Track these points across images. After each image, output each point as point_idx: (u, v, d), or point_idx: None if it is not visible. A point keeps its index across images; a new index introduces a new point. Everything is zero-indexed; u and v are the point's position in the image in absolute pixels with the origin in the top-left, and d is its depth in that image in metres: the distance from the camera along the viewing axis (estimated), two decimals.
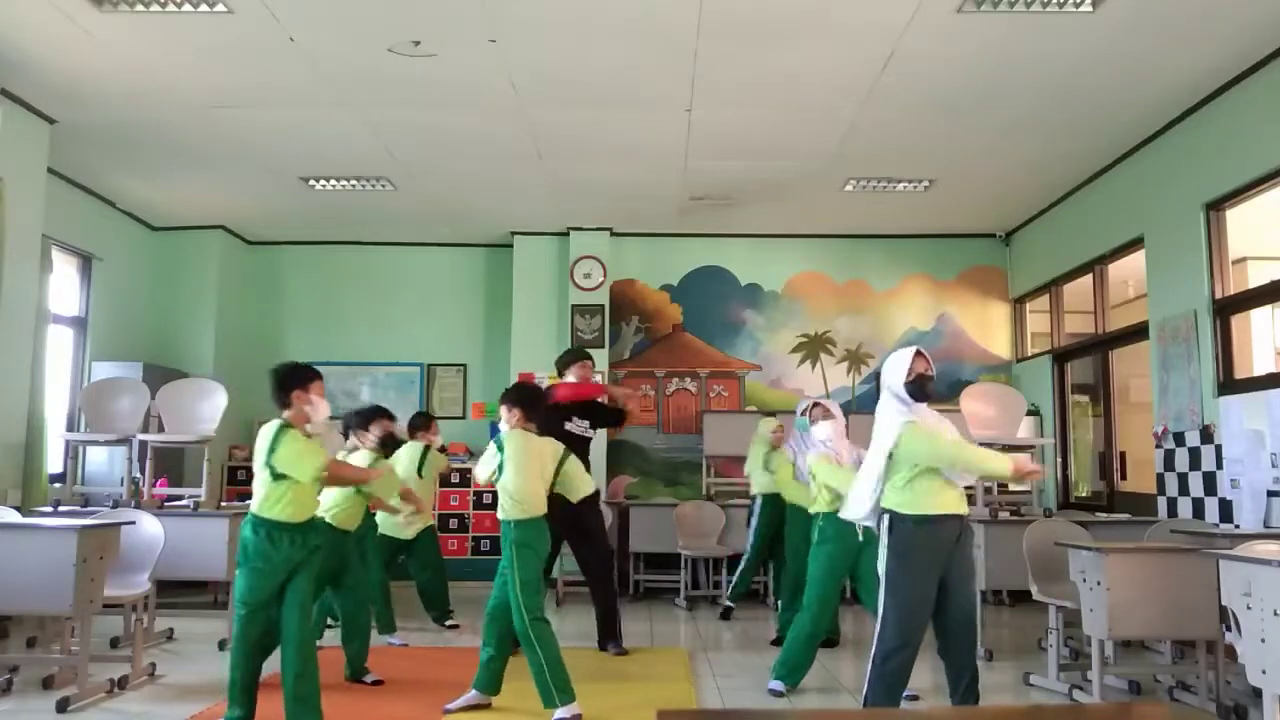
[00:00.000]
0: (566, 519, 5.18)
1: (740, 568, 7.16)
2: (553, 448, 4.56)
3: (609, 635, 5.76)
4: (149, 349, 8.61)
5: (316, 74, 5.80)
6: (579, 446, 5.56)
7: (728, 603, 7.22)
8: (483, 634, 4.45)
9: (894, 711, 4.15)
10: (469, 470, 8.87)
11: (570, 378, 5.90)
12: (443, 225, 9.09)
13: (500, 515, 4.35)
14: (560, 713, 4.12)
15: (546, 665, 4.15)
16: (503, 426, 4.47)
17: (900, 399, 3.83)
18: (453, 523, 8.84)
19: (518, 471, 4.33)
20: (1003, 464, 3.75)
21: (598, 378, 6.00)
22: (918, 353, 3.85)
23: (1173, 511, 6.34)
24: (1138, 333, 7.07)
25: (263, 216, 8.93)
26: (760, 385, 9.32)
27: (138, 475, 6.95)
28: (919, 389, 3.81)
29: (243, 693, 3.83)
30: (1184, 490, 6.28)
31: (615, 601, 5.88)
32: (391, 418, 5.44)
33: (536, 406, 4.54)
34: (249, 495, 3.97)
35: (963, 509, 3.82)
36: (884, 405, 3.88)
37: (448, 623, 6.63)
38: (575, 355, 6.02)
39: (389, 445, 5.16)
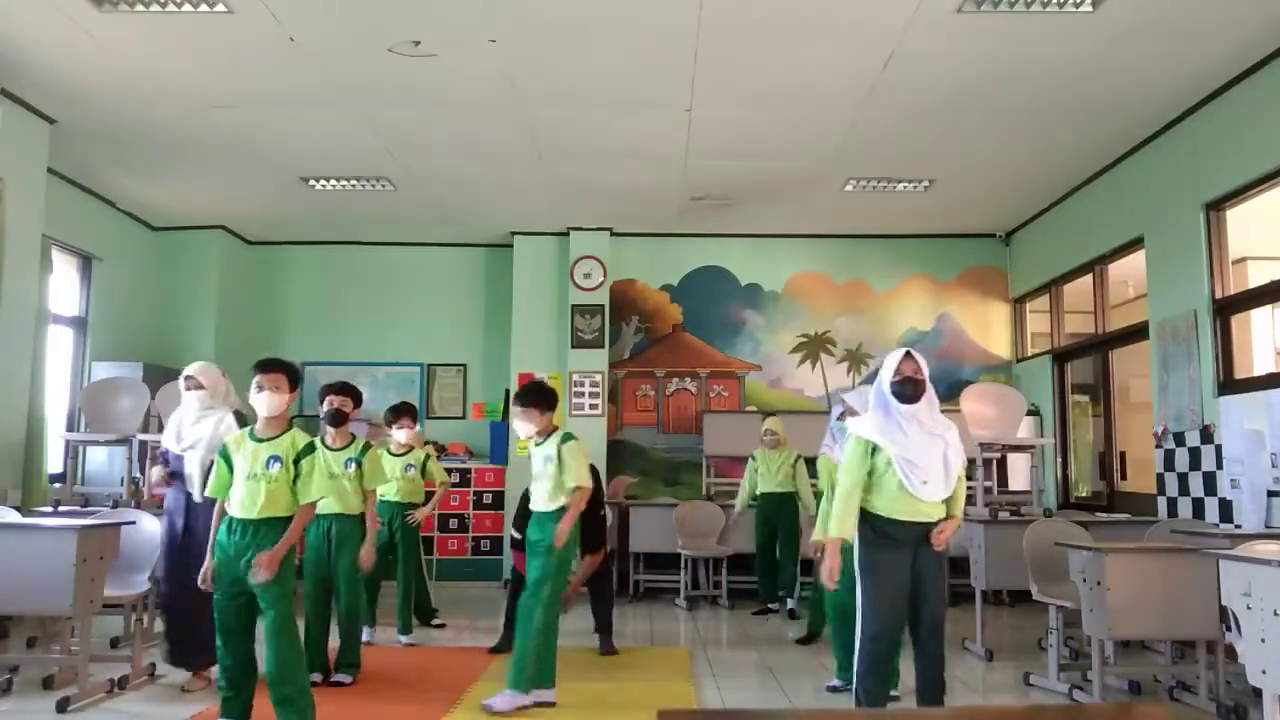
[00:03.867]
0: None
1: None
2: None
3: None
4: (149, 349, 8.61)
5: (316, 74, 5.80)
6: None
7: (790, 605, 7.31)
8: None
9: (894, 712, 4.15)
10: (468, 470, 8.90)
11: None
12: (443, 225, 9.10)
13: (548, 506, 4.51)
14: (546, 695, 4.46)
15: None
16: (526, 429, 4.59)
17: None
18: (453, 523, 8.84)
19: None
20: None
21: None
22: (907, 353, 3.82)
23: (1173, 511, 6.34)
24: (1138, 333, 7.07)
25: (263, 216, 8.94)
26: (760, 385, 9.33)
27: (138, 475, 6.95)
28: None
29: None
30: (1184, 490, 6.28)
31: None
32: (345, 392, 5.16)
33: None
34: None
35: None
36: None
37: (434, 621, 6.68)
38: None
39: (336, 420, 5.11)
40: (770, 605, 7.37)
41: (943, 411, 3.91)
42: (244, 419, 4.58)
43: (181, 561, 4.53)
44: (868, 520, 3.75)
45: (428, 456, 6.28)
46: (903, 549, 3.68)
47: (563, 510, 4.45)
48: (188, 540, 4.56)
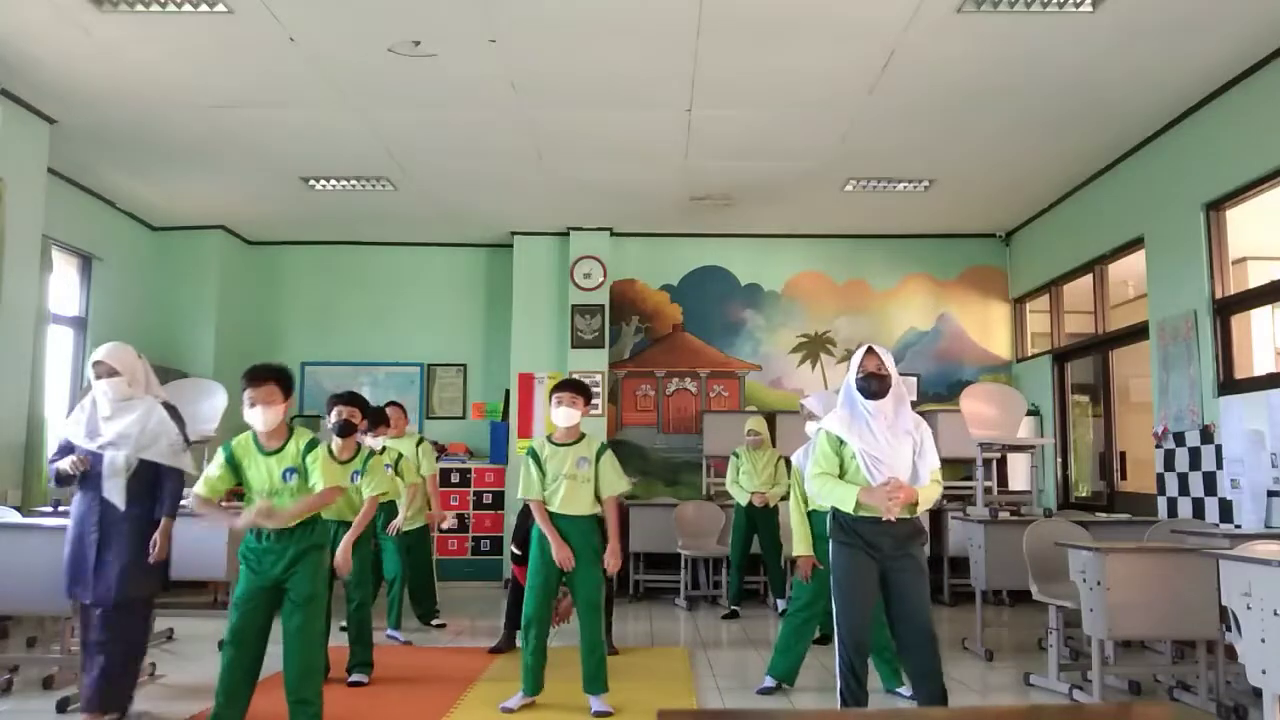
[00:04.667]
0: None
1: None
2: None
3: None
4: (149, 349, 8.46)
5: (317, 74, 5.80)
6: None
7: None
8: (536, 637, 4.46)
9: (894, 712, 4.15)
10: (468, 470, 8.91)
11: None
12: (443, 225, 9.10)
13: (588, 511, 4.48)
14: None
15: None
16: (570, 417, 4.47)
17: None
18: (453, 523, 8.84)
19: None
20: None
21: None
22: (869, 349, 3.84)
23: (1173, 511, 6.34)
24: (1138, 333, 7.07)
25: (263, 216, 8.93)
26: (760, 385, 9.33)
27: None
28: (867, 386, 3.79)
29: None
30: (1184, 490, 6.28)
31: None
32: (354, 403, 5.12)
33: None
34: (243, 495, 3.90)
35: None
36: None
37: (434, 621, 6.67)
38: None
39: (345, 431, 5.09)
40: (735, 608, 7.31)
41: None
42: (175, 411, 4.25)
43: (102, 582, 3.98)
44: (836, 518, 3.76)
45: (400, 457, 6.17)
46: (871, 548, 3.68)
47: (596, 517, 4.49)
48: (105, 557, 3.99)
